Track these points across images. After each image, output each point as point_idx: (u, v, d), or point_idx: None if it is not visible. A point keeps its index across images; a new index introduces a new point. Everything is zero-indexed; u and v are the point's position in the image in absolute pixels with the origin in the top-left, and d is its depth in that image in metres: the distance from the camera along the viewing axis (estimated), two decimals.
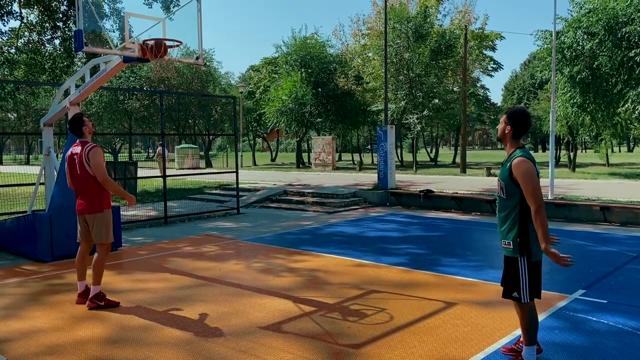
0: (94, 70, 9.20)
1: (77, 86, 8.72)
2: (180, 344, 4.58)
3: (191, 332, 4.87)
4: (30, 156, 59.36)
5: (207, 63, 39.59)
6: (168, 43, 7.33)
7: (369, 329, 4.87)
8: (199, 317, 5.27)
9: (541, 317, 5.07)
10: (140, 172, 17.41)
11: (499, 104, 58.10)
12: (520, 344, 4.10)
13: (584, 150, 62.63)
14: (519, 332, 4.35)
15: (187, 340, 4.67)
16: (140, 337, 4.75)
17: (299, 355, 4.29)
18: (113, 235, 5.89)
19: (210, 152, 44.83)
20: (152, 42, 7.08)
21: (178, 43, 7.38)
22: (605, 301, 5.62)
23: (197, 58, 8.43)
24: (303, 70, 32.52)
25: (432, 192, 14.36)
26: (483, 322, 5.04)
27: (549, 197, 12.46)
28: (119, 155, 49.32)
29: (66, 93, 8.92)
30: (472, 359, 4.20)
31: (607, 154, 32.16)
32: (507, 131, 3.91)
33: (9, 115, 50.03)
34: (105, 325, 5.05)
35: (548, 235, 3.66)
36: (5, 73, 18.14)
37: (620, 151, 76.45)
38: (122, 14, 16.92)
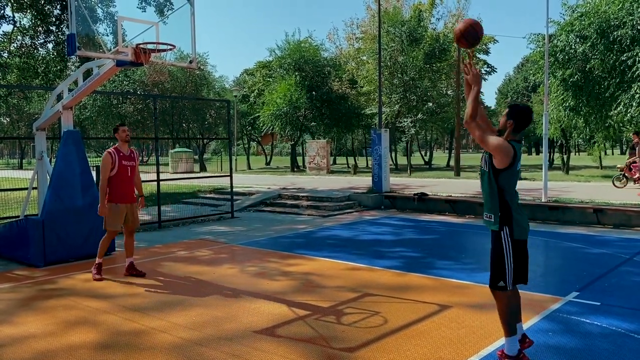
0: (87, 74, 9.17)
1: (70, 90, 8.68)
2: (173, 348, 4.56)
3: (184, 336, 4.85)
4: (24, 160, 59.08)
5: (201, 67, 39.57)
6: (161, 47, 7.33)
7: (363, 333, 4.86)
8: (192, 322, 5.25)
9: (534, 319, 5.09)
10: None
11: (493, 107, 58.34)
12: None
13: (577, 153, 62.96)
14: None
15: (180, 345, 4.65)
16: (132, 342, 4.73)
17: None
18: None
19: (204, 156, 44.77)
20: (145, 47, 7.09)
21: (171, 47, 7.38)
22: (599, 303, 5.63)
23: (190, 62, 8.45)
24: (297, 73, 32.53)
25: (426, 195, 14.38)
26: (477, 324, 5.04)
27: (543, 200, 12.50)
28: None
29: (59, 97, 8.89)
30: None
31: (600, 157, 32.33)
32: (508, 124, 3.96)
33: (2, 119, 49.84)
34: (97, 331, 5.02)
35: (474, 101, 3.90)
36: None
37: (613, 154, 76.82)
38: (115, 18, 16.86)
